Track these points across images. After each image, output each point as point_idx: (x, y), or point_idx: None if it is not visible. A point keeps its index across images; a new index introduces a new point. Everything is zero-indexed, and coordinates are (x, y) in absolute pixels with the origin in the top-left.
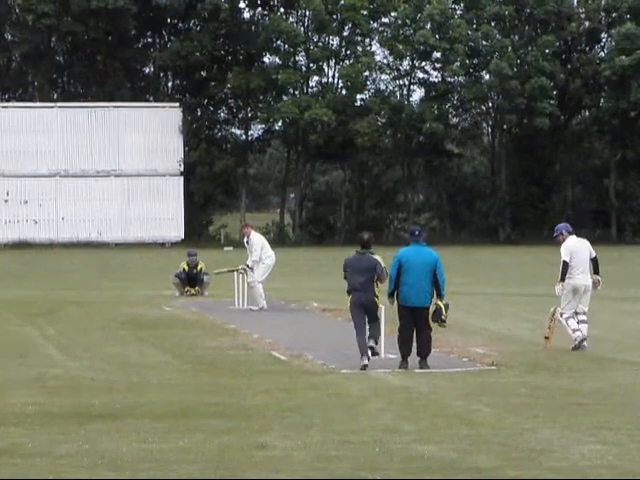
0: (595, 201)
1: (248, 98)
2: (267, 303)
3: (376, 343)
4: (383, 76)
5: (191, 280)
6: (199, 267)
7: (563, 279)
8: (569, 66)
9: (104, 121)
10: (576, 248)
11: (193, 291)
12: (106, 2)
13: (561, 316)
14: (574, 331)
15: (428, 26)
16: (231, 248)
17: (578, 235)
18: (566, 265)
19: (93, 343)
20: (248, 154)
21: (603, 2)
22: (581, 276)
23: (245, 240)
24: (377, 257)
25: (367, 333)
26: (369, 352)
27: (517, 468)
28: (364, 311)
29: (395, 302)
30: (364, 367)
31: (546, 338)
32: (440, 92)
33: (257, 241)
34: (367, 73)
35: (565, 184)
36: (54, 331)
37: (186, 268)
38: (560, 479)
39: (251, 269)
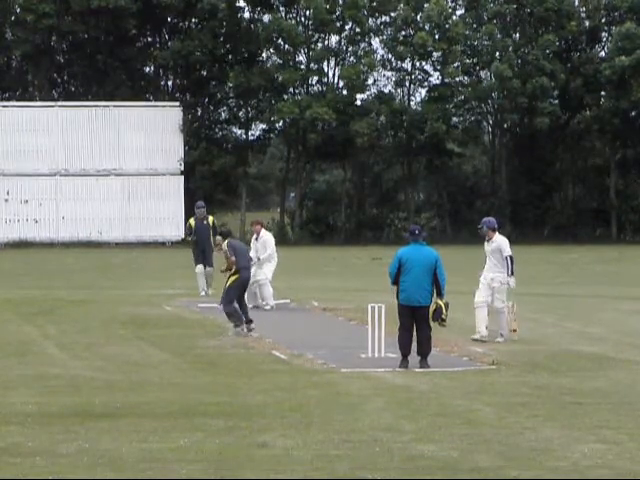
0: (596, 200)
1: (248, 97)
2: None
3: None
4: (384, 77)
5: (200, 242)
6: (210, 219)
7: (513, 272)
8: (569, 65)
9: (104, 120)
10: None
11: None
12: (107, 1)
13: (502, 308)
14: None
15: (427, 27)
16: None
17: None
18: (513, 259)
19: (93, 342)
20: (248, 153)
21: (603, 1)
22: None
23: (254, 237)
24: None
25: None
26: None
27: (517, 467)
28: (244, 287)
29: (395, 301)
30: (241, 335)
31: (514, 330)
32: (441, 93)
33: (270, 239)
34: (368, 70)
35: (565, 183)
36: (54, 330)
37: (192, 224)
38: (560, 479)
39: (255, 262)
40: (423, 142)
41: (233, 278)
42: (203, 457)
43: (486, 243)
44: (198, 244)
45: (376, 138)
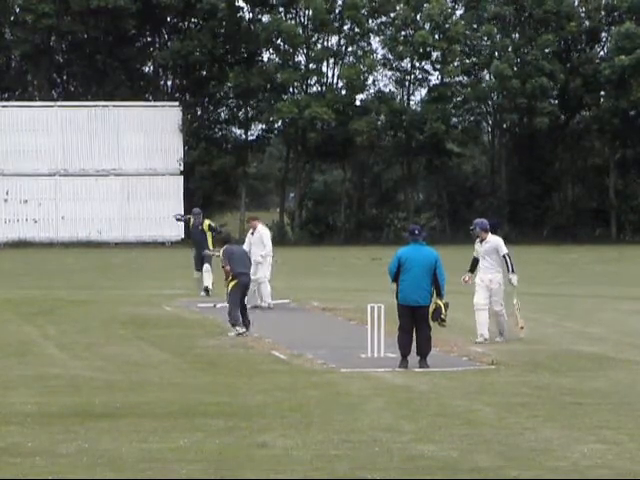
0: (595, 200)
1: (248, 97)
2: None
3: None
4: (385, 77)
5: (196, 247)
6: (205, 225)
7: (514, 269)
8: (569, 65)
9: (104, 120)
10: None
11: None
12: (106, 1)
13: (501, 310)
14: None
15: (427, 26)
16: None
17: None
18: (511, 256)
19: (93, 342)
20: (248, 153)
21: (603, 1)
22: None
23: (250, 232)
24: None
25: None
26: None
27: (517, 467)
28: (245, 290)
29: (395, 301)
30: (239, 334)
31: (521, 328)
32: (441, 93)
33: (267, 233)
34: (368, 70)
35: (565, 183)
36: (54, 330)
37: (191, 224)
38: (560, 479)
39: (260, 263)
40: (423, 142)
41: (232, 284)
42: (203, 457)
43: (478, 244)
44: (194, 249)
45: (375, 137)
